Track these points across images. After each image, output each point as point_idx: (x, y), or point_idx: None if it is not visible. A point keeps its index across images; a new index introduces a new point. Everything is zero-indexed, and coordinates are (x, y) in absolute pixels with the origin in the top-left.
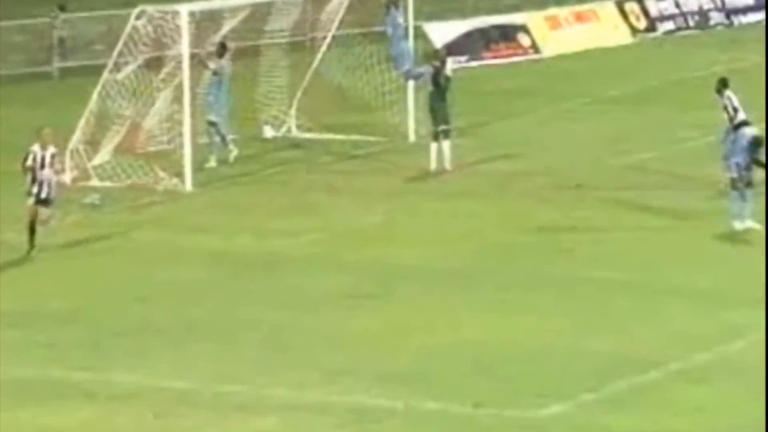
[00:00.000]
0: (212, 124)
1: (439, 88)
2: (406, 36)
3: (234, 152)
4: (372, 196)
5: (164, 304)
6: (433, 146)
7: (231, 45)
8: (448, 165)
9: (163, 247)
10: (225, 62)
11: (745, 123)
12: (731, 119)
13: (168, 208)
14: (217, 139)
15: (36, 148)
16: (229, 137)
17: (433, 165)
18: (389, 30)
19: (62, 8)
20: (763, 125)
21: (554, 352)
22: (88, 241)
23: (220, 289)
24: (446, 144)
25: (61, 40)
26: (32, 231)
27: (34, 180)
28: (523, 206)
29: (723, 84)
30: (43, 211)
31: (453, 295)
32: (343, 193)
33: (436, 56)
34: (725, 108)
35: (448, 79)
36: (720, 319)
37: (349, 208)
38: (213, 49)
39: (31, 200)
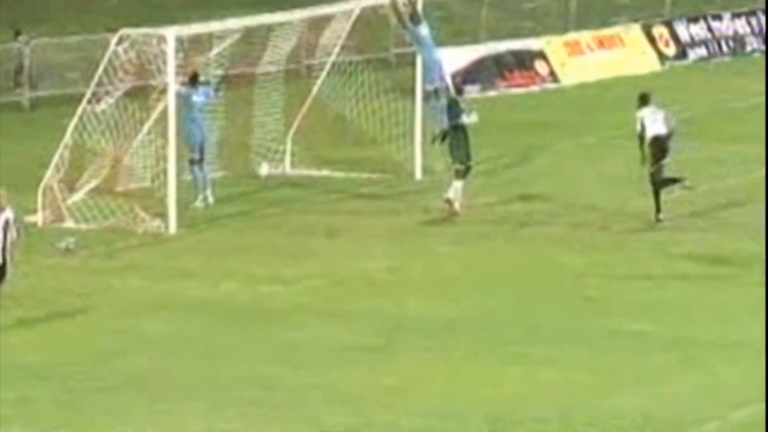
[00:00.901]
0: (192, 161)
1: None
2: (431, 47)
3: (209, 199)
4: (375, 239)
5: (146, 358)
6: (458, 184)
7: (217, 73)
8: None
9: (145, 296)
10: (200, 91)
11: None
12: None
13: (150, 252)
14: (202, 176)
15: None
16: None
17: (457, 204)
18: (416, 46)
19: (18, 33)
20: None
21: (579, 412)
22: (63, 289)
23: (207, 341)
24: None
25: (20, 68)
26: None
27: None
28: (544, 250)
29: (643, 101)
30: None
31: (465, 349)
32: (343, 236)
33: (457, 88)
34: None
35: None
36: (760, 374)
37: (350, 253)
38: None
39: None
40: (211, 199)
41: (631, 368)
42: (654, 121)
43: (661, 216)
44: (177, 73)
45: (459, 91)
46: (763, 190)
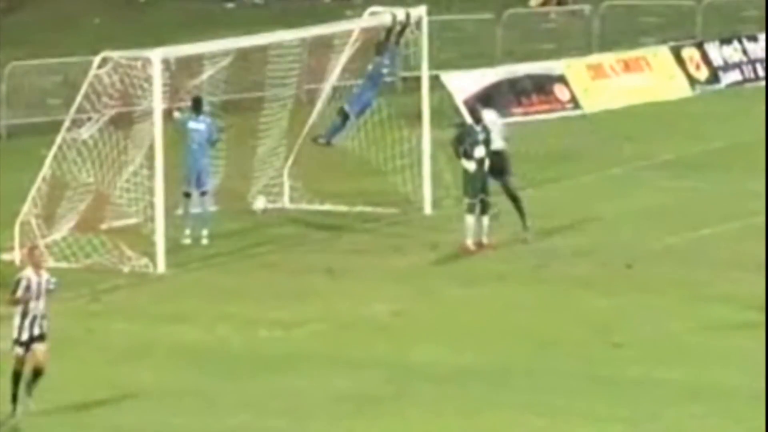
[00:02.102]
0: (187, 195)
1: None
2: (374, 87)
3: (203, 241)
4: (381, 280)
5: (133, 410)
6: (470, 219)
7: (211, 99)
8: (485, 239)
9: (131, 341)
10: (200, 119)
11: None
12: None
13: (136, 293)
14: (195, 211)
15: (29, 273)
16: (206, 211)
17: (470, 241)
18: (368, 68)
19: None
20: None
21: None
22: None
23: (200, 391)
24: (485, 219)
25: None
26: (18, 382)
27: (24, 314)
28: (565, 292)
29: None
30: (41, 350)
31: (479, 399)
32: (345, 276)
33: (473, 114)
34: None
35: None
36: None
37: (354, 295)
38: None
39: (22, 346)
40: (205, 241)
41: (659, 420)
42: (494, 134)
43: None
44: (164, 98)
45: (477, 118)
46: None
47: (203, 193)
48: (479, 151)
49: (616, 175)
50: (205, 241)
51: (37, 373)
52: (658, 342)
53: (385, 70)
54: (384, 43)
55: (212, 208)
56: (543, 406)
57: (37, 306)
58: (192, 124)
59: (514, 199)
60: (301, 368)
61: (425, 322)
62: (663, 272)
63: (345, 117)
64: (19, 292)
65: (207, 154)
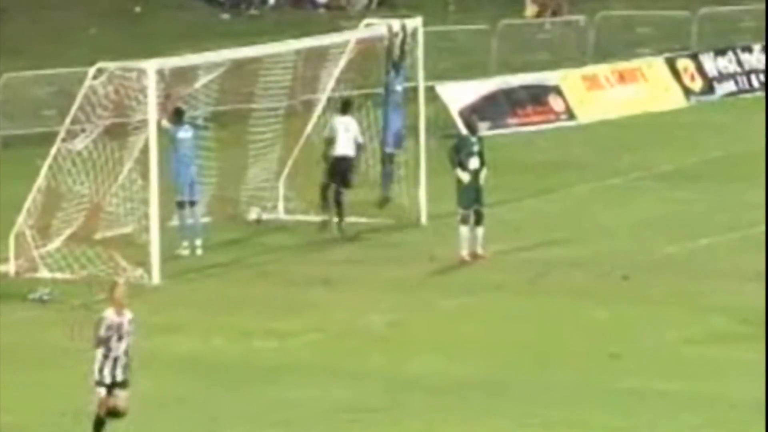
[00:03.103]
0: (180, 204)
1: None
2: (398, 107)
3: (197, 251)
4: (377, 291)
5: (128, 420)
6: (464, 230)
7: (205, 109)
8: (480, 249)
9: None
10: (186, 128)
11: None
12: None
13: (131, 304)
14: (190, 221)
15: (110, 313)
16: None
17: (465, 252)
18: (382, 96)
19: None
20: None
21: None
22: (36, 345)
23: (195, 402)
24: (480, 229)
25: None
26: (100, 425)
27: (106, 356)
28: (562, 302)
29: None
30: (123, 397)
31: (476, 410)
32: (341, 287)
33: (469, 125)
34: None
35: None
36: None
37: (349, 305)
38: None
39: (104, 387)
40: (199, 251)
41: (656, 430)
42: (346, 138)
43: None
44: (159, 110)
45: (472, 128)
46: None
47: (193, 203)
48: (474, 162)
49: (612, 186)
50: (199, 252)
51: (115, 415)
52: (656, 353)
53: (399, 87)
54: (398, 62)
55: (204, 219)
56: (540, 417)
57: (119, 347)
58: (181, 134)
59: (338, 204)
60: (297, 379)
61: (421, 333)
62: (661, 283)
63: (391, 158)
64: (101, 332)
65: (195, 163)
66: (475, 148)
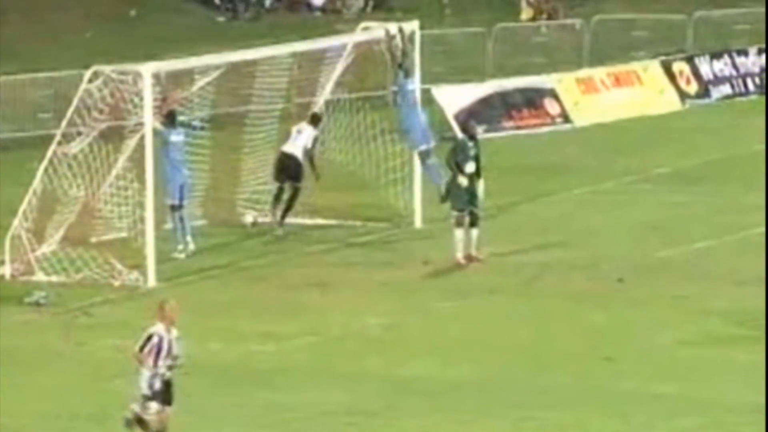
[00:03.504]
0: (173, 207)
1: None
2: (416, 106)
3: (190, 246)
4: (372, 294)
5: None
6: (458, 232)
7: (201, 113)
8: (474, 251)
9: (121, 355)
10: (179, 131)
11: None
12: None
13: (126, 307)
14: (194, 224)
15: (159, 329)
16: (185, 223)
17: (460, 255)
18: (397, 100)
19: None
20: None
21: None
22: (32, 348)
23: (191, 405)
24: (474, 231)
25: None
26: None
27: (155, 373)
28: (558, 305)
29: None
30: (168, 413)
31: (472, 413)
32: (337, 290)
33: (467, 130)
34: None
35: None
36: None
37: (345, 308)
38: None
39: (155, 402)
40: (192, 246)
41: None
42: (295, 139)
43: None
44: (155, 113)
45: (470, 133)
46: None
47: (181, 207)
48: (470, 167)
49: (608, 189)
50: (191, 247)
51: (147, 428)
52: (652, 355)
53: (410, 86)
54: (402, 63)
55: (200, 222)
56: (535, 419)
57: (166, 363)
58: (173, 137)
59: (291, 198)
60: (293, 382)
61: (417, 336)
62: (656, 286)
63: (427, 153)
64: (147, 349)
65: (186, 166)
66: (472, 152)
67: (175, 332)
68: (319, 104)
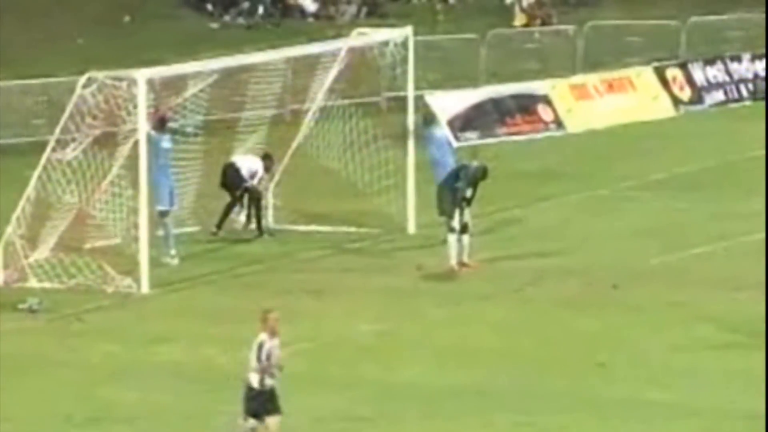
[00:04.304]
0: (162, 213)
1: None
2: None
3: (174, 260)
4: (365, 300)
5: (117, 430)
6: (452, 239)
7: (195, 118)
8: (466, 258)
9: (115, 361)
10: (169, 138)
11: None
12: None
13: (120, 313)
14: (175, 231)
15: (264, 337)
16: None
17: (453, 261)
18: (432, 151)
19: None
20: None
21: None
22: (25, 354)
23: (183, 411)
24: (466, 238)
25: None
26: None
27: (262, 381)
28: (551, 312)
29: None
30: (275, 422)
31: (464, 420)
32: (330, 296)
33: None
34: None
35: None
36: None
37: (338, 315)
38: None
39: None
40: (175, 260)
41: None
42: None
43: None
44: (148, 119)
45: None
46: None
47: (167, 212)
48: (469, 192)
49: (602, 195)
50: (174, 261)
51: None
52: (645, 362)
53: (440, 133)
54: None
55: (194, 228)
56: (529, 425)
57: (274, 372)
58: (164, 143)
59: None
60: (287, 388)
61: (411, 342)
62: (650, 292)
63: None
64: (262, 357)
65: (174, 172)
66: (464, 160)
67: (276, 341)
68: (312, 110)
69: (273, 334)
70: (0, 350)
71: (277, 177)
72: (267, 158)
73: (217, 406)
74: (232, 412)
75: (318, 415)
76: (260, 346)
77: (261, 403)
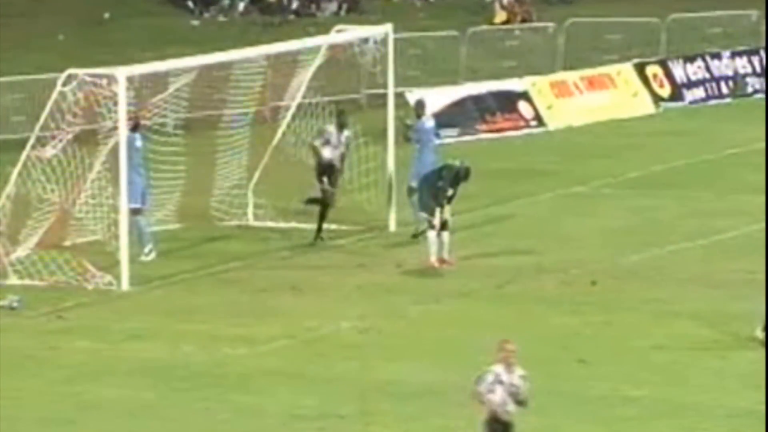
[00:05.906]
0: (135, 211)
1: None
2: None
3: (151, 255)
4: (345, 297)
5: (96, 427)
6: (432, 236)
7: (175, 116)
8: (446, 254)
9: (95, 358)
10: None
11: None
12: None
13: (100, 311)
14: (154, 228)
15: (500, 370)
16: (146, 230)
17: (433, 258)
18: (414, 137)
19: None
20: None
21: None
22: (6, 351)
23: (163, 409)
24: (446, 235)
25: None
26: None
27: (495, 419)
28: (530, 309)
29: None
30: None
31: (445, 417)
32: (310, 293)
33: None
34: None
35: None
36: None
37: (318, 311)
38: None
39: None
40: (150, 257)
41: None
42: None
43: None
44: (129, 117)
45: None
46: (763, 243)
47: (141, 210)
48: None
49: (581, 193)
50: (151, 256)
51: None
52: (624, 359)
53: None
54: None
55: (175, 225)
56: None
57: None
58: (137, 142)
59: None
60: (266, 386)
61: (390, 340)
62: (628, 290)
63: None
64: (482, 387)
65: (150, 169)
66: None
67: (519, 372)
68: (292, 107)
69: (509, 366)
70: None
71: (257, 174)
72: (341, 115)
73: (196, 404)
74: (209, 409)
75: (296, 413)
76: (484, 375)
77: None
